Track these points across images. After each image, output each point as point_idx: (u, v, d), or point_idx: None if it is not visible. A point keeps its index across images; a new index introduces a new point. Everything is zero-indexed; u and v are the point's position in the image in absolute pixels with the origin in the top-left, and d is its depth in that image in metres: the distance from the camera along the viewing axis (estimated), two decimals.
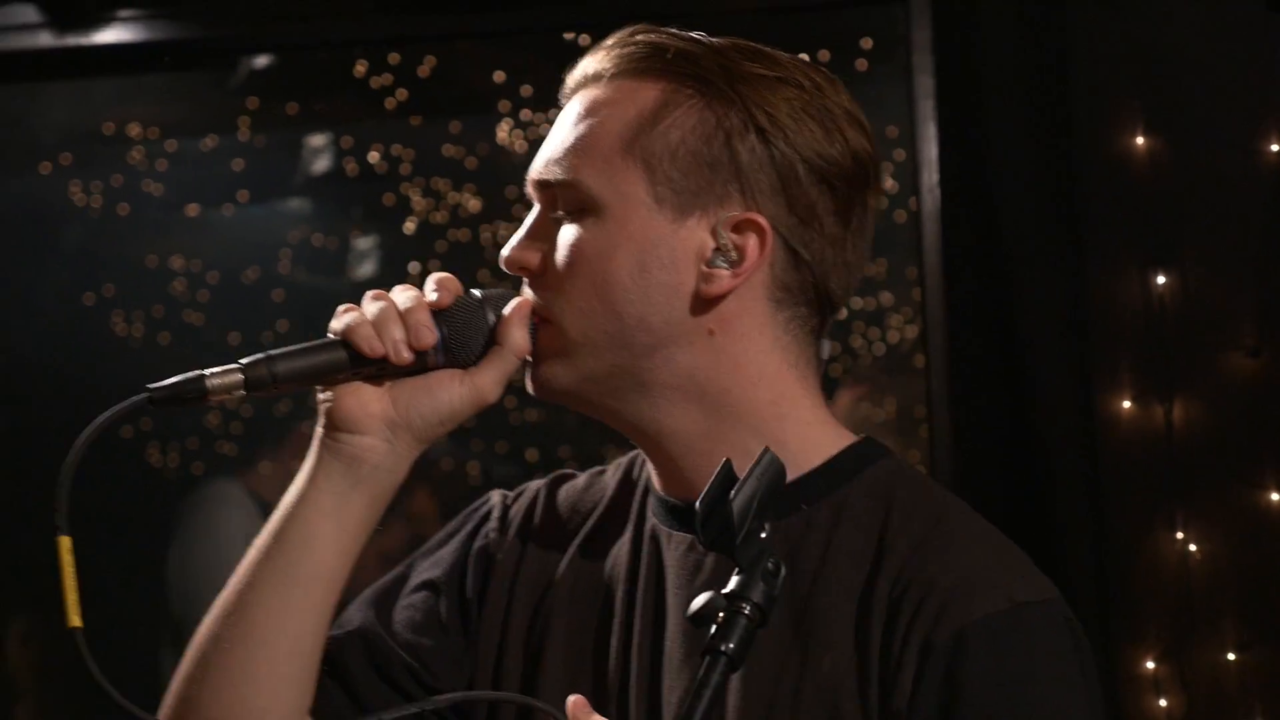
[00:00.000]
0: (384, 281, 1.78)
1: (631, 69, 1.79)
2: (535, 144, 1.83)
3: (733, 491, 1.48)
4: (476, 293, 1.78)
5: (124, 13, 4.05)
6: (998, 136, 3.60)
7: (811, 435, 1.80)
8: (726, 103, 1.76)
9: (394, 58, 4.59)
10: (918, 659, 1.65)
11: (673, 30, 1.82)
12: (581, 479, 1.95)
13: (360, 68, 4.61)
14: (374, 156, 4.86)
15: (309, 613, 1.75)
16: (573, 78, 1.83)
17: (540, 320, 1.78)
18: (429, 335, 1.74)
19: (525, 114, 4.61)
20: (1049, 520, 3.53)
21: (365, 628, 1.86)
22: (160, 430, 4.95)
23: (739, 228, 1.75)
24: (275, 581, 1.75)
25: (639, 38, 1.80)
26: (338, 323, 1.75)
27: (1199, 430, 3.48)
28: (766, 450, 1.51)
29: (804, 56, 1.83)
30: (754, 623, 1.45)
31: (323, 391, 1.76)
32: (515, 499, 1.95)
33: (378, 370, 1.75)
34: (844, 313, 4.55)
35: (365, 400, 1.76)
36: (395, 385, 1.76)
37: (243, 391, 1.70)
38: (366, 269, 4.95)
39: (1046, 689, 1.67)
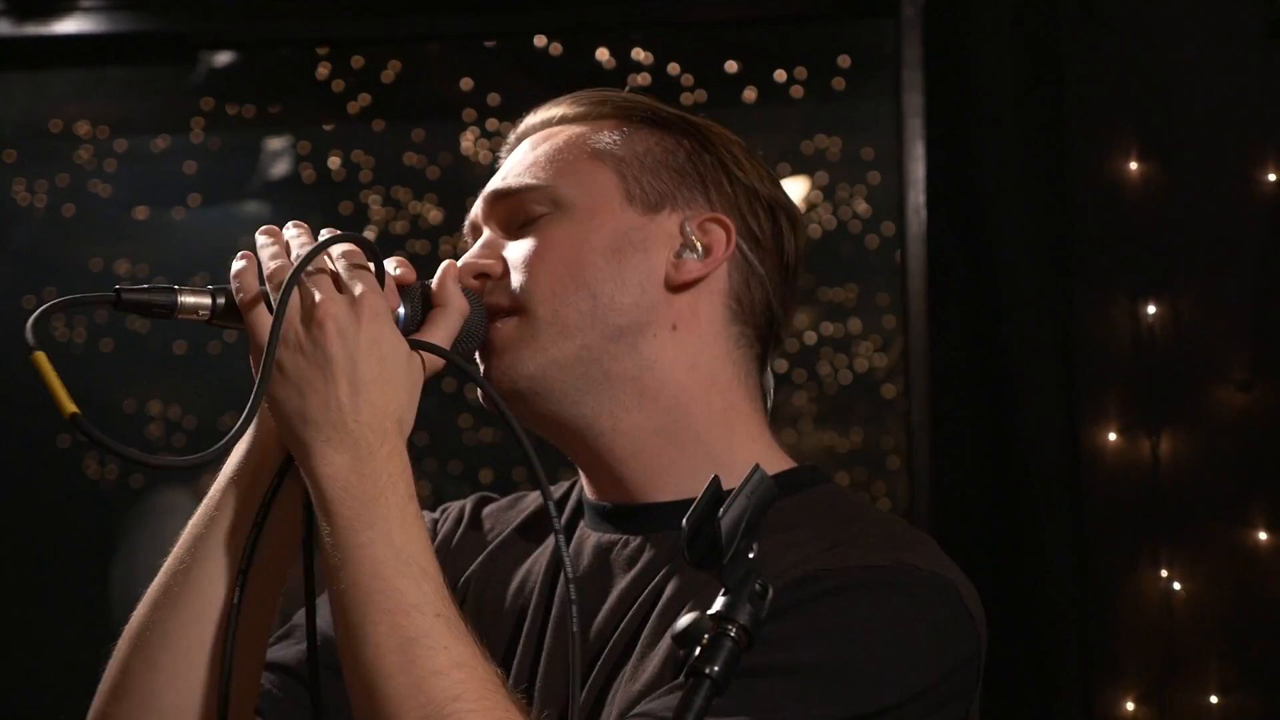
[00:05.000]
0: None
1: (585, 113, 1.91)
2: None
3: (721, 509, 1.45)
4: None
5: (86, 2, 3.97)
6: (988, 157, 3.54)
7: (756, 451, 1.86)
8: (684, 134, 1.88)
9: (357, 61, 4.49)
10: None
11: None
12: (505, 500, 2.04)
13: (322, 70, 4.51)
14: (333, 162, 4.73)
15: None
16: (520, 128, 1.94)
17: (505, 312, 1.83)
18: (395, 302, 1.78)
19: (491, 123, 4.52)
20: (1030, 556, 3.46)
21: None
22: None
23: (705, 226, 1.84)
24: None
25: (587, 92, 1.93)
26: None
27: (1186, 465, 3.40)
28: (757, 468, 1.49)
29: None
30: (740, 645, 1.43)
31: None
32: (442, 515, 2.03)
33: None
34: (813, 337, 4.48)
35: None
36: None
37: (208, 314, 1.73)
38: None
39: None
